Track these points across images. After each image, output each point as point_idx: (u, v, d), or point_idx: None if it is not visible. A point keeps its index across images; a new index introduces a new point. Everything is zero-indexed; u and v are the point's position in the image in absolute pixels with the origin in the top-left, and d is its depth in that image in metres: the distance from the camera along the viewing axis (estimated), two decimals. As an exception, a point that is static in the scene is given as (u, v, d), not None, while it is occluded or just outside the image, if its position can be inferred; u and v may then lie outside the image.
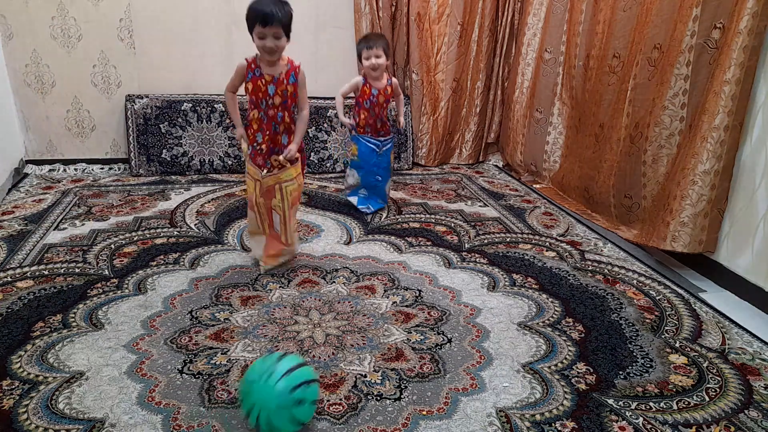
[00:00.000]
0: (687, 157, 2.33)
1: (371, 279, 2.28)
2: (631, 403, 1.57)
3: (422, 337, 1.87)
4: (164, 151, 3.57)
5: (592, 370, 1.71)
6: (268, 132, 2.20)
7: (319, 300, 2.10)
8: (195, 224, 2.78)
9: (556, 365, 1.74)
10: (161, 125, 3.56)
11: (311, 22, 3.73)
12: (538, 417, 1.51)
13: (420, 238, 2.71)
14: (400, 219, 2.96)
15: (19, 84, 3.46)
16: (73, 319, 1.90)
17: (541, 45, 3.59)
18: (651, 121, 2.57)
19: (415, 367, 1.71)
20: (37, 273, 2.22)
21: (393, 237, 2.71)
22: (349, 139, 3.02)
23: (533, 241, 2.71)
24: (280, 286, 2.19)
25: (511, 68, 3.93)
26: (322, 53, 3.81)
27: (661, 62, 2.52)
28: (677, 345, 1.86)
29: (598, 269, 2.42)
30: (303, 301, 2.08)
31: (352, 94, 2.97)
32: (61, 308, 1.97)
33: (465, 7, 3.75)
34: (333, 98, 3.79)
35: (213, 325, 1.91)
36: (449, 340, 1.86)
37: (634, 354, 1.80)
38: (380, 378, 1.65)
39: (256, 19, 2.08)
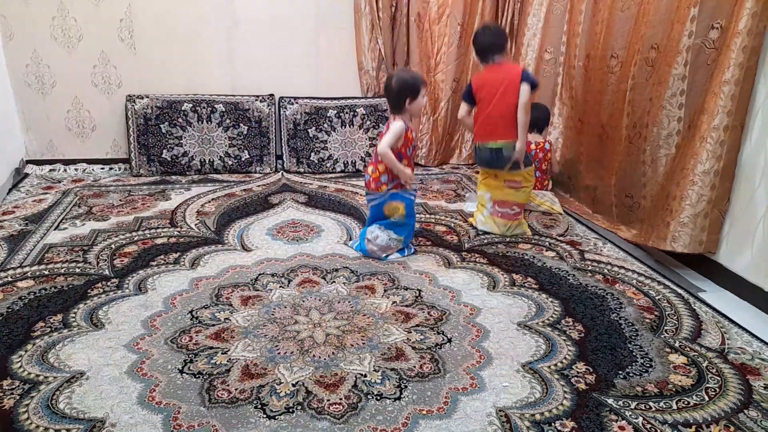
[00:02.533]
0: (686, 158, 2.33)
1: (371, 279, 2.28)
2: (630, 402, 1.57)
3: (422, 337, 1.87)
4: (165, 151, 3.58)
5: (591, 370, 1.71)
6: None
7: (319, 300, 2.10)
8: (195, 224, 2.78)
9: (555, 365, 1.74)
10: (161, 125, 3.56)
11: (311, 22, 3.74)
12: (537, 417, 1.51)
13: (420, 238, 2.71)
14: (400, 219, 2.96)
15: (20, 84, 3.47)
16: (73, 319, 1.91)
17: (541, 45, 3.59)
18: (649, 122, 2.57)
19: (415, 367, 1.71)
20: (37, 273, 2.22)
21: (393, 237, 2.71)
22: (388, 198, 2.48)
23: (533, 241, 2.71)
24: (280, 286, 2.20)
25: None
26: (322, 53, 3.82)
27: (659, 62, 2.52)
28: (677, 345, 1.87)
29: (597, 269, 2.43)
30: (303, 301, 2.09)
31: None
32: (62, 308, 1.97)
33: (465, 7, 3.75)
34: (332, 98, 3.81)
35: (213, 325, 1.91)
36: (449, 340, 1.86)
37: (634, 354, 1.81)
38: (380, 378, 1.65)
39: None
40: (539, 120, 3.23)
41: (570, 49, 3.33)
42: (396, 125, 2.39)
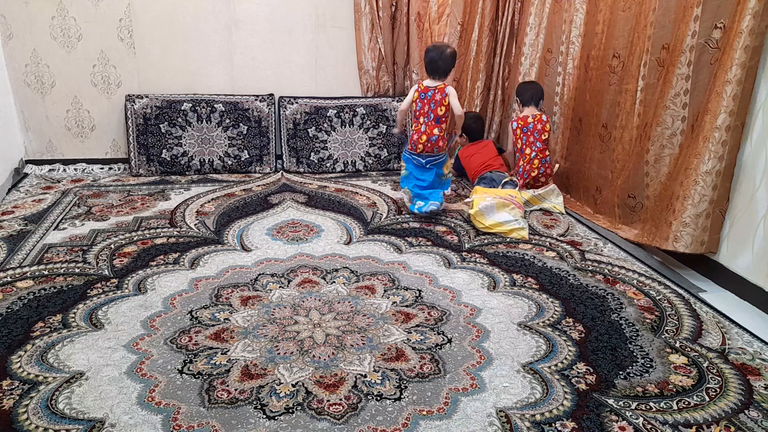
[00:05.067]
0: (689, 157, 2.33)
1: (371, 279, 2.28)
2: (631, 403, 1.57)
3: (422, 337, 1.87)
4: (164, 151, 3.57)
5: (592, 370, 1.71)
6: None
7: (319, 300, 2.10)
8: (195, 224, 2.78)
9: (556, 365, 1.74)
10: (161, 125, 3.56)
11: (311, 22, 3.73)
12: (538, 417, 1.51)
13: (420, 238, 2.70)
14: (400, 219, 2.96)
15: (19, 84, 3.46)
16: (73, 319, 1.90)
17: (543, 45, 3.59)
18: (653, 121, 2.57)
19: (415, 367, 1.71)
20: (37, 273, 2.22)
21: (393, 237, 2.71)
22: (447, 155, 3.02)
23: (533, 241, 2.71)
24: (280, 286, 2.19)
25: (512, 68, 3.92)
26: (322, 53, 3.81)
27: (667, 63, 2.52)
28: (677, 345, 1.86)
29: (598, 269, 2.42)
30: (303, 301, 2.08)
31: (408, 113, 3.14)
32: (61, 308, 1.97)
33: (465, 7, 3.75)
34: (332, 98, 3.81)
35: (213, 325, 1.91)
36: (449, 340, 1.86)
37: (634, 354, 1.80)
38: (380, 378, 1.65)
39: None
40: (534, 95, 3.30)
41: (570, 48, 3.32)
42: (453, 90, 2.85)
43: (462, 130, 3.36)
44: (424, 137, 2.86)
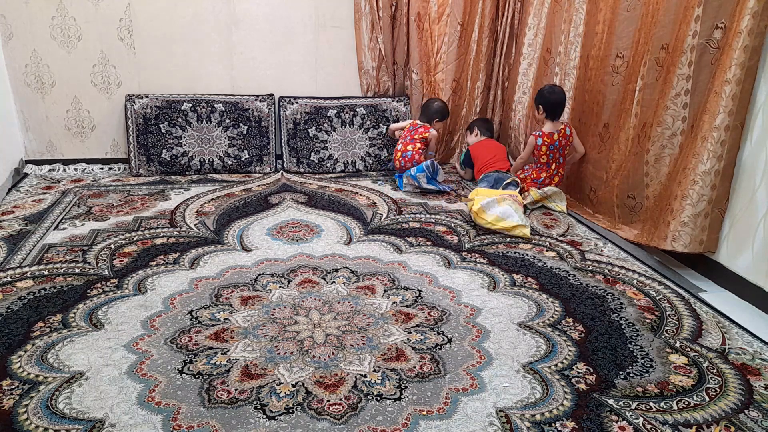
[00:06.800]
0: (688, 157, 2.33)
1: (371, 279, 2.28)
2: (631, 403, 1.57)
3: (422, 337, 1.87)
4: (164, 151, 3.57)
5: (592, 370, 1.71)
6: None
7: (319, 300, 2.10)
8: (195, 224, 2.78)
9: (556, 365, 1.74)
10: (161, 125, 3.56)
11: (311, 22, 3.73)
12: (538, 417, 1.51)
13: (420, 238, 2.70)
14: (400, 219, 2.96)
15: (19, 84, 3.46)
16: (73, 319, 1.90)
17: (543, 45, 3.59)
18: (654, 121, 2.57)
19: (415, 367, 1.71)
20: (36, 273, 2.22)
21: (393, 237, 2.71)
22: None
23: (533, 241, 2.71)
24: (280, 286, 2.19)
25: (512, 68, 3.92)
26: (322, 53, 3.81)
27: (667, 63, 2.52)
28: (677, 345, 1.86)
29: (598, 269, 2.42)
30: (303, 301, 2.08)
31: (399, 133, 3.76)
32: (61, 308, 1.97)
33: (465, 7, 3.75)
34: (332, 98, 3.81)
35: (213, 325, 1.91)
36: (449, 340, 1.86)
37: (634, 354, 1.80)
38: (380, 378, 1.65)
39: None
40: (555, 108, 3.16)
41: (569, 48, 3.32)
42: (435, 132, 3.64)
43: (474, 129, 3.69)
44: (400, 153, 3.54)
